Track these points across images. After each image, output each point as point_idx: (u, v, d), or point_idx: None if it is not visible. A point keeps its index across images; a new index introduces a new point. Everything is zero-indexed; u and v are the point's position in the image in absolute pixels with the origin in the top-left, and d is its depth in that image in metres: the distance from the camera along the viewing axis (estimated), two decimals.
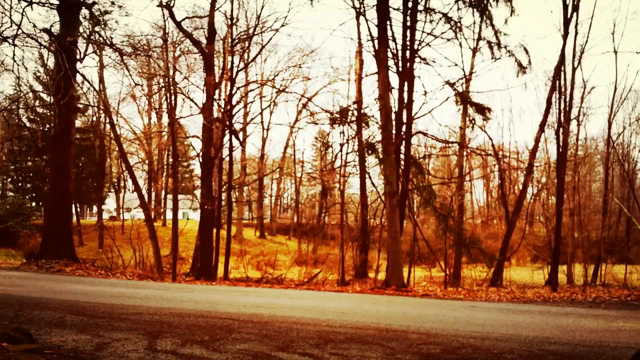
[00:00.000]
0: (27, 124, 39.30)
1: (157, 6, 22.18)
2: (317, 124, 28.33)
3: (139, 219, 34.83)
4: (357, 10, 19.66)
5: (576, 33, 18.91)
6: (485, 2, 17.28)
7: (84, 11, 19.25)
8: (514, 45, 29.22)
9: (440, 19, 17.92)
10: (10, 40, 10.70)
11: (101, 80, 26.63)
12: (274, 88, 26.78)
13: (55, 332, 6.20)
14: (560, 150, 19.41)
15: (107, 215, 50.89)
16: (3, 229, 33.14)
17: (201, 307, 9.18)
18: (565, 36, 18.49)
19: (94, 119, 37.50)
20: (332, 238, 34.30)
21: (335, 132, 38.69)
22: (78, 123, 37.81)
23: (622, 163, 32.19)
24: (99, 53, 24.45)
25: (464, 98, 18.36)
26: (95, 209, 55.09)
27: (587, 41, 20.12)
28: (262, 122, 41.25)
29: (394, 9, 18.14)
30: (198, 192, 32.57)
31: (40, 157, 39.40)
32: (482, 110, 17.71)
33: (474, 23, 19.05)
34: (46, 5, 15.59)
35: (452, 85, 18.28)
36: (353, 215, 28.08)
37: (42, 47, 17.37)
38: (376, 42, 17.68)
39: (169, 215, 38.86)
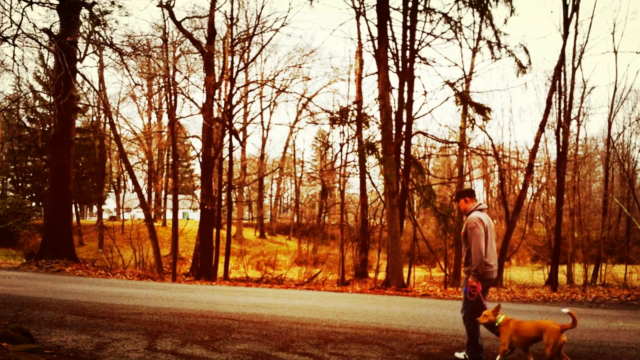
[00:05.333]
0: (27, 124, 39.28)
1: (157, 6, 22.23)
2: (317, 124, 28.38)
3: (139, 219, 34.82)
4: (357, 10, 19.67)
5: (576, 33, 18.94)
6: (485, 2, 17.26)
7: (84, 11, 19.27)
8: (514, 45, 29.42)
9: (440, 19, 17.92)
10: (10, 40, 10.69)
11: (101, 80, 26.62)
12: (274, 88, 26.74)
13: (55, 332, 6.20)
14: (560, 150, 19.41)
15: (107, 215, 50.91)
16: (3, 229, 33.14)
17: (201, 307, 9.18)
18: (565, 36, 18.50)
19: (94, 119, 37.43)
20: (332, 238, 34.25)
21: (335, 132, 38.87)
22: (78, 123, 37.83)
23: (622, 163, 32.12)
24: (99, 53, 24.42)
25: (464, 98, 18.34)
26: (95, 209, 55.09)
27: (587, 41, 20.15)
28: (262, 122, 41.18)
29: (394, 9, 18.16)
30: (198, 192, 32.58)
31: (40, 157, 39.39)
32: (482, 110, 17.68)
33: (474, 23, 19.12)
34: (46, 5, 15.57)
35: (452, 85, 18.26)
36: (353, 215, 28.06)
37: (42, 47, 17.33)
38: (376, 42, 17.68)
39: (169, 215, 38.89)
